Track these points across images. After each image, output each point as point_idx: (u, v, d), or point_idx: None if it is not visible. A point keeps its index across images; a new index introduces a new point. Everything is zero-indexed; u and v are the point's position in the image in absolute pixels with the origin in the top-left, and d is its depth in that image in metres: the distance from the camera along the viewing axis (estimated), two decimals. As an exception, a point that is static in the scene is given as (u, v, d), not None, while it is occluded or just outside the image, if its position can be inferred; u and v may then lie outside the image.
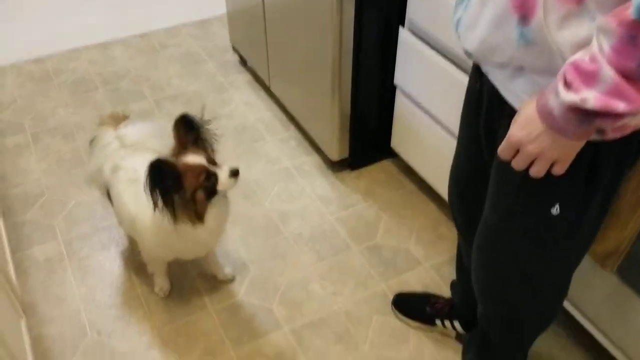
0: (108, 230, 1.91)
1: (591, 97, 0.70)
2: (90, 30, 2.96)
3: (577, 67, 0.71)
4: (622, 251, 1.23)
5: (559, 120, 0.75)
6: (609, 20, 0.67)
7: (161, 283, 1.71)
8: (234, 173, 1.38)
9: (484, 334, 1.33)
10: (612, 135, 0.80)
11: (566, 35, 0.75)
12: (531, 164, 0.84)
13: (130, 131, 1.64)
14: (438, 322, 1.59)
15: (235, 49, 2.67)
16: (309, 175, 2.12)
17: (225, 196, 1.48)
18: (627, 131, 0.80)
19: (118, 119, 1.69)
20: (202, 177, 1.35)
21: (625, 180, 1.14)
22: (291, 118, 2.34)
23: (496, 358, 1.37)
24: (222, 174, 1.38)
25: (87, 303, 1.69)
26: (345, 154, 2.06)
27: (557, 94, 0.74)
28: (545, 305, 1.18)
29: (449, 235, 1.90)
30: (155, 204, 1.31)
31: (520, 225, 1.00)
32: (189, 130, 1.40)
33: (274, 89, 2.36)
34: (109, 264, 1.80)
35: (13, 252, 1.82)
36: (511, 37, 0.80)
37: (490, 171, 1.04)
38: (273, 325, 1.64)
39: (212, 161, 1.40)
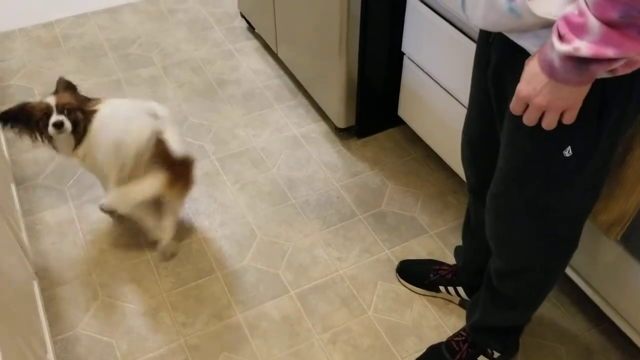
0: (118, 196, 1.93)
1: (583, 46, 0.76)
2: (98, -6, 2.94)
3: (567, 21, 0.78)
4: (627, 219, 1.24)
5: (559, 70, 0.82)
6: None
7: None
8: (57, 125, 1.55)
9: (492, 293, 1.35)
10: (622, 71, 0.84)
11: (542, 9, 0.83)
12: (542, 117, 0.90)
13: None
14: (442, 288, 1.62)
15: (243, 16, 2.65)
16: (316, 142, 2.13)
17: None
18: (636, 66, 0.84)
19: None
20: (43, 113, 1.56)
21: (631, 148, 1.15)
22: (299, 85, 2.34)
23: (503, 317, 1.39)
24: (51, 121, 1.55)
25: (97, 266, 1.73)
26: (352, 122, 2.07)
27: (552, 46, 0.81)
28: (557, 253, 1.21)
29: (455, 203, 1.91)
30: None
31: (534, 171, 1.04)
32: (67, 89, 1.63)
33: (281, 56, 2.35)
34: (119, 229, 1.84)
35: (25, 215, 1.86)
36: (504, 12, 0.87)
37: (497, 125, 1.09)
38: (279, 289, 1.67)
39: (64, 107, 1.57)
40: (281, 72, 2.43)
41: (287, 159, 2.07)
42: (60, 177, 2.00)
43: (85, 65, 2.49)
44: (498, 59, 1.02)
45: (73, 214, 1.88)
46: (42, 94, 2.34)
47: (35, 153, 2.08)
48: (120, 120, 1.61)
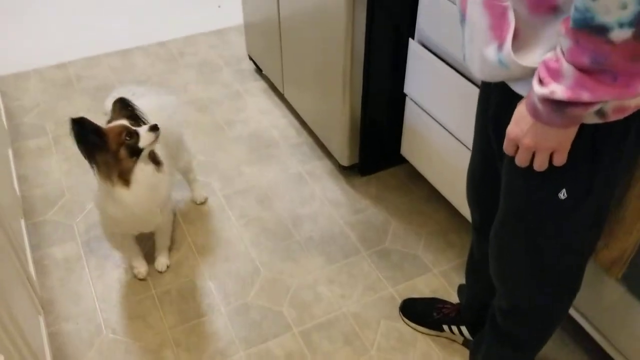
0: (124, 232, 1.96)
1: (558, 90, 0.80)
2: (112, 37, 3.04)
3: (546, 66, 0.83)
4: (628, 257, 1.26)
5: (542, 112, 0.85)
6: (561, 28, 0.80)
7: (135, 264, 1.80)
8: (153, 128, 1.52)
9: (496, 332, 1.35)
10: (613, 117, 0.88)
11: (527, 59, 0.88)
12: (533, 159, 0.92)
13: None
14: (445, 327, 1.62)
15: (251, 58, 2.73)
16: (320, 180, 2.16)
17: (152, 165, 1.57)
18: (628, 112, 0.88)
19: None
20: (124, 135, 1.50)
21: (630, 186, 1.18)
22: (304, 124, 2.39)
23: (506, 358, 1.38)
24: (142, 130, 1.52)
25: (103, 302, 1.75)
26: (356, 160, 2.10)
27: (532, 89, 0.85)
28: (560, 293, 1.21)
29: (458, 242, 1.92)
30: (86, 159, 1.49)
31: (532, 212, 1.06)
32: (123, 109, 1.58)
33: (287, 97, 2.41)
34: (125, 265, 1.86)
35: (33, 250, 1.88)
36: (495, 64, 0.92)
37: (499, 166, 1.12)
38: (283, 326, 1.68)
39: (135, 125, 1.54)
40: (287, 112, 2.49)
41: (291, 196, 2.10)
42: (69, 212, 2.04)
43: (96, 104, 2.56)
44: (497, 102, 1.06)
45: (80, 250, 1.91)
46: (53, 132, 2.40)
47: (45, 189, 2.13)
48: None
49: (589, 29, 0.74)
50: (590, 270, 1.30)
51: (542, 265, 1.14)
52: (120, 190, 1.52)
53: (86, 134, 1.46)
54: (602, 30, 0.73)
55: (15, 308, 1.34)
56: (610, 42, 0.73)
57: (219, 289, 1.78)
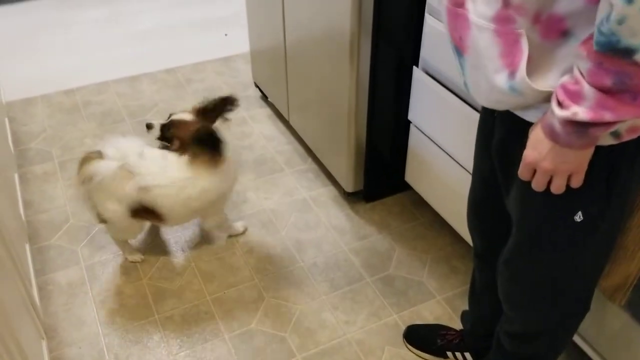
0: (129, 257, 1.97)
1: (580, 111, 0.81)
2: (119, 64, 3.09)
3: (565, 89, 0.84)
4: (630, 284, 1.25)
5: (561, 134, 0.86)
6: (581, 49, 0.81)
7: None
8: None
9: (503, 357, 1.34)
10: (627, 136, 0.89)
11: (541, 84, 0.89)
12: (550, 182, 0.93)
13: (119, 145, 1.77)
14: (449, 354, 1.60)
15: (257, 85, 2.76)
16: (324, 206, 2.17)
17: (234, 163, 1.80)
18: None
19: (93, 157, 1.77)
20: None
21: (632, 214, 1.18)
22: (309, 151, 2.41)
23: None
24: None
25: (106, 327, 1.74)
26: (360, 186, 2.11)
27: (553, 112, 0.86)
28: (570, 314, 1.22)
29: (462, 268, 1.92)
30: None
31: (547, 237, 1.07)
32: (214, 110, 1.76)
33: (293, 123, 2.43)
34: (128, 289, 1.86)
35: (37, 275, 1.89)
36: (505, 91, 0.92)
37: (501, 192, 1.13)
38: (286, 353, 1.66)
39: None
40: (292, 139, 2.51)
41: (296, 221, 2.10)
42: (73, 237, 2.04)
43: (103, 130, 2.59)
44: (505, 131, 1.06)
45: (84, 274, 1.91)
46: (59, 157, 2.42)
47: (50, 214, 2.14)
48: None
49: (613, 52, 0.75)
50: (594, 297, 1.30)
51: (555, 289, 1.14)
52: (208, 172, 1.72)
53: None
54: (628, 53, 0.74)
55: (18, 333, 1.34)
56: (636, 64, 0.75)
57: (223, 315, 1.77)
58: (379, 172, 2.10)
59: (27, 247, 1.94)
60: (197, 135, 1.67)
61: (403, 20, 1.75)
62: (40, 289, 1.85)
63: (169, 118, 1.79)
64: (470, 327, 1.56)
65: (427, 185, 1.96)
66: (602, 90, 0.79)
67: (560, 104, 0.84)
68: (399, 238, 2.03)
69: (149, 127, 1.77)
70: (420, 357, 1.65)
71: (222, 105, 1.75)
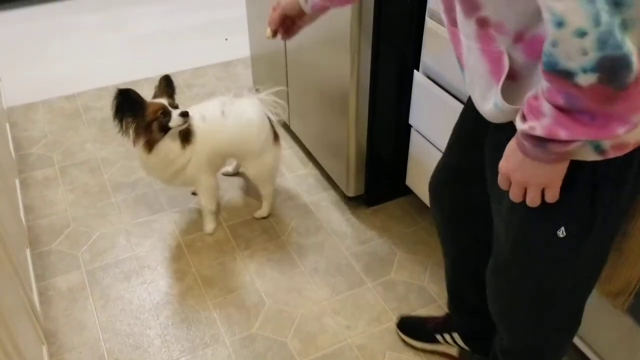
0: (129, 262, 1.96)
1: (537, 126, 0.81)
2: (120, 69, 3.10)
3: (528, 103, 0.84)
4: (632, 289, 1.24)
5: (527, 147, 0.86)
6: (541, 68, 0.80)
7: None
8: (184, 114, 1.80)
9: None
10: (613, 153, 0.87)
11: (520, 101, 0.89)
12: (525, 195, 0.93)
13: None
14: (439, 337, 1.61)
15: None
16: (325, 210, 2.16)
17: (179, 143, 1.85)
18: (628, 149, 0.87)
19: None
20: (160, 112, 1.78)
21: (633, 219, 1.17)
22: (309, 155, 2.40)
23: None
24: (175, 113, 1.79)
25: (106, 332, 1.74)
26: (361, 191, 2.11)
27: (516, 125, 0.86)
28: (559, 332, 1.20)
29: (464, 272, 1.91)
30: (119, 127, 1.79)
31: (530, 250, 1.06)
32: (167, 87, 1.88)
33: (293, 128, 2.43)
34: (129, 295, 1.85)
35: (38, 280, 1.88)
36: (491, 107, 0.94)
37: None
38: (287, 358, 1.66)
39: (173, 106, 1.82)
40: (292, 144, 2.51)
41: (297, 226, 2.10)
42: (74, 242, 2.04)
43: (103, 135, 2.59)
44: (495, 144, 1.05)
45: (85, 279, 1.90)
46: (60, 162, 2.42)
47: (51, 219, 2.14)
48: (235, 117, 1.93)
49: (556, 73, 0.75)
50: (597, 302, 1.29)
51: (541, 304, 1.13)
52: (141, 154, 1.84)
53: (130, 103, 1.75)
54: (567, 75, 0.73)
55: (19, 338, 1.33)
56: (578, 86, 0.73)
57: (224, 320, 1.77)
58: (380, 176, 2.10)
59: (28, 252, 1.93)
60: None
61: (403, 24, 1.75)
62: (41, 294, 1.84)
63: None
64: (454, 311, 1.57)
65: (428, 190, 1.96)
66: (558, 108, 0.78)
67: (523, 118, 0.84)
68: (400, 242, 2.03)
69: (185, 114, 1.82)
70: (413, 346, 1.66)
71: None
